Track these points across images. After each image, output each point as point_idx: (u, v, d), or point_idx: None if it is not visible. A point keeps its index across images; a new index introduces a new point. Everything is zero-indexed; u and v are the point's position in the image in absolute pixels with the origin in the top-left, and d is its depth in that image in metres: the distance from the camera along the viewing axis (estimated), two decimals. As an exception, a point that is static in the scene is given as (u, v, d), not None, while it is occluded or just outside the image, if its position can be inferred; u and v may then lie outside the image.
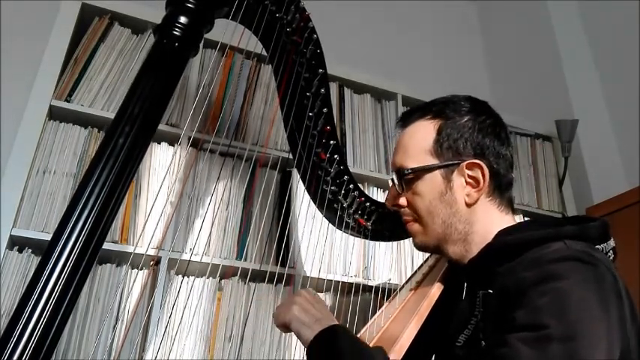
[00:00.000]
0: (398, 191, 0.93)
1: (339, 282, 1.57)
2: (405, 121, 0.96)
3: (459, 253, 0.89)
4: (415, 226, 0.92)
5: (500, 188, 0.89)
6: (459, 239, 0.88)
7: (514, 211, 0.93)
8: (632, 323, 0.71)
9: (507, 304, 0.72)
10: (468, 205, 0.87)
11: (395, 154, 0.95)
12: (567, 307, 0.66)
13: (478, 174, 0.86)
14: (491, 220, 0.88)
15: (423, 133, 0.91)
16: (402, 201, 0.93)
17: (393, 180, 0.94)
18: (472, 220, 0.87)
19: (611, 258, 0.81)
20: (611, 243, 0.82)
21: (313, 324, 0.85)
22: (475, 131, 0.88)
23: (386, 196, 0.97)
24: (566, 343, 0.64)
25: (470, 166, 0.87)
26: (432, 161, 0.88)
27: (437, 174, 0.88)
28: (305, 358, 0.85)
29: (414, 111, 0.95)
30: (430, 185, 0.88)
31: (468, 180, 0.87)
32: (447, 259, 0.95)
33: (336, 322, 0.86)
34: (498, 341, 0.69)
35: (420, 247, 0.94)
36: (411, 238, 0.97)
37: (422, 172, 0.89)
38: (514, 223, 0.89)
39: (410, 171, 0.89)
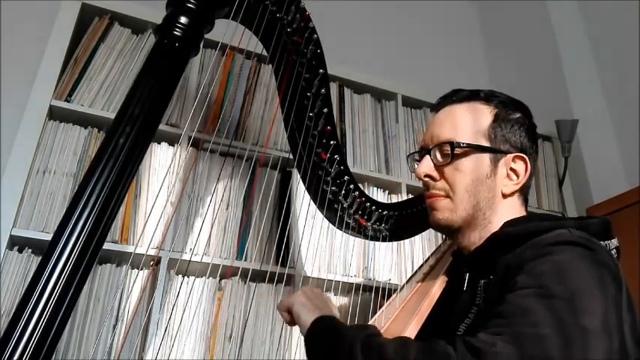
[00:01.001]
0: (436, 163, 0.91)
1: (339, 282, 1.57)
2: (453, 96, 0.95)
3: (472, 241, 0.90)
4: (445, 202, 0.91)
5: (527, 188, 0.93)
6: (479, 225, 0.89)
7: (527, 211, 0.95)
8: (627, 313, 0.71)
9: (507, 279, 0.74)
10: (504, 196, 0.89)
11: (439, 126, 0.93)
12: (566, 275, 0.68)
13: (521, 168, 0.89)
14: (510, 214, 0.89)
15: (480, 114, 0.91)
16: (437, 174, 0.92)
17: (429, 151, 0.92)
18: (499, 210, 0.89)
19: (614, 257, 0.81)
20: (615, 242, 0.82)
21: (314, 310, 0.86)
22: (524, 130, 0.91)
23: (418, 167, 0.94)
24: (569, 301, 0.64)
25: (515, 159, 0.89)
26: (485, 143, 0.89)
27: (486, 157, 0.89)
28: (305, 358, 0.85)
29: (462, 91, 0.95)
30: (477, 165, 0.89)
31: (510, 172, 0.89)
32: (452, 250, 0.95)
33: (335, 315, 0.87)
34: (500, 302, 0.69)
35: (441, 224, 0.92)
36: (410, 239, 0.97)
37: (474, 149, 0.89)
38: (519, 216, 0.90)
39: (464, 145, 0.89)
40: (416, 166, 0.95)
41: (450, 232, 0.94)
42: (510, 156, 0.89)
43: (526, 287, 0.68)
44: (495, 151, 0.89)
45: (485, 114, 0.91)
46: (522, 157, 0.89)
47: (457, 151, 0.89)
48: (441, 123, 0.93)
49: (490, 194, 0.88)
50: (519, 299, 0.67)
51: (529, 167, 0.89)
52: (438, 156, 0.91)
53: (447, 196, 0.90)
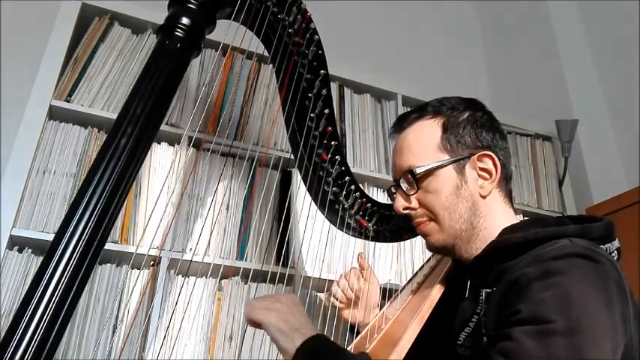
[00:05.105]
0: (407, 194, 0.91)
1: (339, 282, 1.57)
2: (402, 124, 0.95)
3: (470, 252, 0.88)
4: (430, 226, 0.90)
5: (506, 180, 0.91)
6: (472, 235, 0.88)
7: (513, 204, 0.93)
8: (635, 321, 0.70)
9: (510, 296, 0.72)
10: (483, 197, 0.88)
11: (398, 158, 0.94)
12: (570, 302, 0.66)
13: (489, 165, 0.88)
14: (499, 214, 0.88)
15: (429, 131, 0.91)
16: (414, 203, 0.91)
17: (399, 184, 0.93)
18: (485, 213, 0.88)
19: (615, 258, 0.81)
20: (616, 244, 0.82)
21: (292, 333, 0.82)
22: (478, 126, 0.90)
23: (394, 201, 0.95)
24: (570, 337, 0.64)
25: (481, 158, 0.88)
26: (443, 157, 0.88)
27: (450, 169, 0.88)
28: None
29: (410, 113, 0.95)
30: (445, 181, 0.88)
31: (480, 172, 0.88)
32: (456, 258, 0.94)
33: (317, 331, 0.83)
34: (502, 335, 0.69)
35: (435, 247, 0.92)
36: (411, 240, 0.96)
37: (435, 169, 0.88)
38: (517, 221, 0.89)
39: (423, 170, 0.89)
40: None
41: (448, 251, 0.92)
42: (474, 157, 0.88)
43: (529, 321, 0.67)
44: (456, 160, 0.88)
45: (434, 128, 0.90)
46: (486, 153, 0.88)
47: (419, 176, 0.89)
48: (399, 152, 0.94)
49: (470, 202, 0.87)
50: (522, 337, 0.65)
51: (497, 160, 0.87)
52: (406, 186, 0.91)
53: (431, 219, 0.90)
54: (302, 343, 0.79)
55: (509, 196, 0.92)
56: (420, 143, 0.91)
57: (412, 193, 0.91)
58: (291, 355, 0.80)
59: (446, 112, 0.91)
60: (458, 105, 0.92)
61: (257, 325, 0.87)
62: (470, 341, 0.81)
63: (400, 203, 0.93)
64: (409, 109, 1.97)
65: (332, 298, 1.09)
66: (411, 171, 0.89)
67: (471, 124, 0.90)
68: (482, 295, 0.81)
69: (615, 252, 0.81)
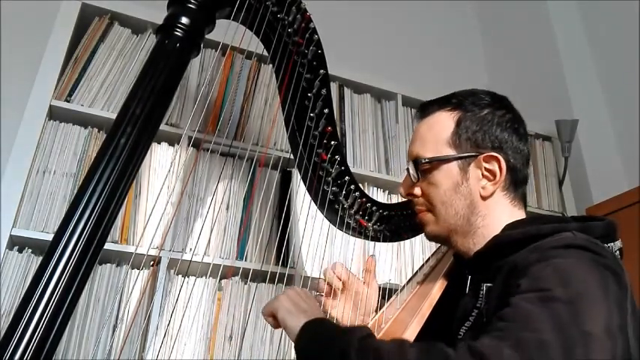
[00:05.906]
0: (413, 180, 0.93)
1: (339, 282, 1.57)
2: (424, 111, 0.95)
3: (467, 247, 0.89)
4: (428, 216, 0.92)
5: (516, 183, 0.90)
6: (469, 231, 0.88)
7: (526, 208, 0.93)
8: (632, 317, 0.70)
9: (510, 282, 0.72)
10: (483, 198, 0.87)
11: (412, 144, 0.95)
12: (569, 279, 0.66)
13: (495, 167, 0.87)
14: (503, 215, 0.88)
15: (442, 124, 0.91)
16: (417, 190, 0.93)
17: (408, 169, 0.94)
18: (485, 213, 0.87)
19: None
20: (618, 244, 0.81)
21: (299, 314, 0.83)
22: (494, 125, 0.89)
23: (400, 187, 0.97)
24: (571, 306, 0.63)
25: (487, 159, 0.87)
26: (450, 152, 0.89)
27: (453, 165, 0.88)
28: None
29: (434, 102, 0.95)
30: (446, 176, 0.88)
31: (485, 173, 0.87)
32: (454, 251, 0.95)
33: (323, 316, 0.85)
34: (503, 306, 0.68)
35: (431, 237, 0.94)
36: (410, 240, 0.96)
37: (438, 162, 0.89)
38: (521, 218, 0.89)
39: (426, 160, 0.89)
40: None
41: (442, 241, 0.95)
42: (480, 157, 0.87)
43: (529, 291, 0.67)
44: (460, 157, 0.88)
45: (448, 121, 0.90)
46: (493, 155, 0.86)
47: (423, 166, 0.90)
48: (413, 139, 0.95)
49: (467, 200, 0.87)
50: (522, 303, 0.66)
51: (503, 163, 0.86)
52: (412, 174, 0.93)
53: (429, 210, 0.92)
54: (306, 322, 0.80)
55: (520, 199, 0.91)
56: (430, 135, 0.92)
57: (416, 181, 0.92)
58: (296, 333, 0.80)
59: (466, 107, 0.90)
60: (481, 101, 0.91)
61: (272, 316, 0.88)
62: (470, 334, 0.81)
63: (402, 189, 0.96)
64: (409, 109, 2.00)
65: (315, 293, 1.09)
66: (416, 160, 0.91)
67: (486, 123, 0.88)
68: (482, 290, 0.81)
69: (617, 252, 0.81)
